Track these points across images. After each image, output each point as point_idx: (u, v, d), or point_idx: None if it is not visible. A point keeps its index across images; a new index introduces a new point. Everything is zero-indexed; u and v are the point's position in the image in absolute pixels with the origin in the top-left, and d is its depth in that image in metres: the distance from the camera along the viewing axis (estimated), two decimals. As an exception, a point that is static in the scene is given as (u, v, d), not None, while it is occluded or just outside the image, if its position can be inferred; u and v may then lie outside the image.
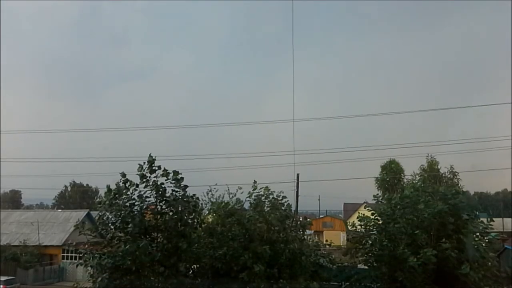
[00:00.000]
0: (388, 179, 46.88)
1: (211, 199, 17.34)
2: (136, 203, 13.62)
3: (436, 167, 45.85)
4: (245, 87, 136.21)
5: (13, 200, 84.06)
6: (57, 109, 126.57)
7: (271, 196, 14.81)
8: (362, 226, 15.64)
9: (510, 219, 47.75)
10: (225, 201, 16.49)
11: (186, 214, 13.77)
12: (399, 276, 13.60)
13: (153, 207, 13.83)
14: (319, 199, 72.45)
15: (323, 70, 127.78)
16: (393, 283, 14.13)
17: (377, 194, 17.01)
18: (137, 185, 13.63)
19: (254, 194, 14.90)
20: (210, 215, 17.25)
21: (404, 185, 42.24)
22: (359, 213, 17.77)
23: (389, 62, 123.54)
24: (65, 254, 38.49)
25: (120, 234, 13.36)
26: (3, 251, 35.51)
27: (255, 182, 14.97)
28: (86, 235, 13.75)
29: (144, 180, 13.62)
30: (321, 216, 72.01)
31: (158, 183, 13.73)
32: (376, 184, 47.78)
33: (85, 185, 79.32)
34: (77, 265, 14.79)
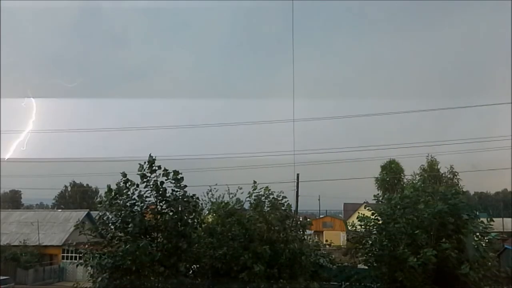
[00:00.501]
0: (388, 179, 46.85)
1: (211, 199, 17.37)
2: (137, 203, 13.63)
3: (436, 167, 45.82)
4: (245, 87, 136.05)
5: (13, 200, 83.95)
6: (57, 109, 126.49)
7: (271, 196, 14.81)
8: (362, 226, 15.63)
9: (510, 219, 47.67)
10: (225, 201, 16.50)
11: (186, 214, 13.77)
12: (399, 276, 13.60)
13: (153, 207, 13.83)
14: (319, 199, 72.44)
15: (323, 70, 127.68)
16: (393, 283, 14.12)
17: (378, 194, 17.01)
18: (138, 185, 13.64)
19: (254, 194, 14.91)
20: (210, 215, 17.25)
21: (404, 185, 42.25)
22: (359, 213, 17.77)
23: (389, 62, 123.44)
24: (65, 254, 38.44)
25: (120, 234, 13.36)
26: (3, 251, 35.47)
27: (255, 182, 14.98)
28: (86, 235, 13.75)
29: (145, 180, 13.63)
30: (321, 216, 71.93)
31: (158, 183, 13.73)
32: (376, 184, 47.75)
33: (85, 185, 79.21)
34: (77, 265, 14.80)
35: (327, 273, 16.06)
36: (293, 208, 18.58)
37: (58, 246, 38.44)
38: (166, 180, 13.80)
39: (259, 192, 14.87)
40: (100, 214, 13.82)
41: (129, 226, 13.09)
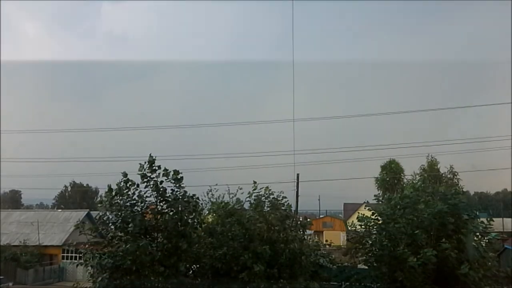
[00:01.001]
0: (388, 179, 46.88)
1: (211, 199, 17.37)
2: (137, 203, 13.64)
3: (436, 167, 45.86)
4: (245, 87, 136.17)
5: (13, 200, 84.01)
6: (57, 109, 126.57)
7: (271, 196, 14.82)
8: (362, 226, 15.64)
9: (510, 219, 47.70)
10: (225, 201, 16.50)
11: (186, 214, 13.78)
12: (399, 276, 13.60)
13: (153, 207, 13.84)
14: (319, 199, 72.51)
15: (323, 70, 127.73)
16: (393, 283, 14.12)
17: (378, 194, 17.02)
18: (138, 185, 13.66)
19: (254, 194, 14.91)
20: (210, 215, 17.26)
21: (404, 185, 42.27)
22: (358, 213, 17.77)
23: (389, 61, 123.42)
24: (65, 254, 38.46)
25: (120, 234, 13.36)
26: (3, 251, 35.48)
27: (255, 182, 14.98)
28: (86, 235, 13.76)
29: (145, 180, 13.65)
30: (321, 216, 71.97)
31: (158, 183, 13.74)
32: (376, 184, 47.80)
33: (85, 185, 79.26)
34: (77, 265, 14.82)
35: (327, 273, 16.07)
36: (293, 208, 18.59)
37: (58, 246, 38.46)
38: (166, 180, 13.80)
39: (259, 192, 14.88)
40: (101, 214, 13.84)
41: (129, 226, 13.10)
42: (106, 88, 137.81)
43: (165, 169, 13.78)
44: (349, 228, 17.34)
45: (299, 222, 16.45)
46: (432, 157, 45.91)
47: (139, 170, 13.72)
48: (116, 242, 13.32)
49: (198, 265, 14.18)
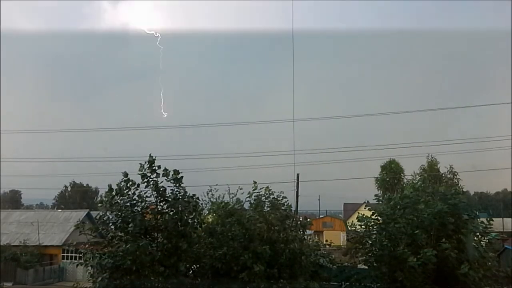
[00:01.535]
0: (388, 179, 46.88)
1: (211, 199, 17.36)
2: (137, 203, 13.64)
3: (436, 167, 45.85)
4: (245, 87, 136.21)
5: (13, 200, 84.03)
6: (57, 109, 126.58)
7: (271, 197, 14.81)
8: (362, 226, 15.64)
9: (510, 219, 47.67)
10: (225, 201, 16.49)
11: (186, 214, 13.78)
12: (399, 276, 13.60)
13: (153, 207, 13.85)
14: (319, 199, 72.52)
15: (323, 70, 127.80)
16: (393, 283, 14.12)
17: (378, 194, 17.01)
18: (138, 185, 13.66)
19: (254, 194, 14.91)
20: (210, 215, 17.25)
21: (404, 185, 42.26)
22: (358, 213, 17.77)
23: (389, 61, 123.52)
24: (65, 254, 38.46)
25: (120, 234, 13.37)
26: (3, 251, 35.48)
27: (255, 182, 14.98)
28: (87, 235, 13.76)
29: (145, 180, 13.65)
30: (321, 216, 71.98)
31: (159, 183, 13.75)
32: (376, 184, 47.79)
33: (85, 185, 79.28)
34: (77, 265, 14.83)
35: (327, 273, 16.06)
36: (293, 208, 18.59)
37: (58, 246, 38.45)
38: (166, 180, 13.80)
39: (259, 192, 14.87)
40: (101, 214, 13.85)
41: (130, 226, 13.10)
42: (106, 88, 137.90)
43: (165, 169, 13.79)
44: (349, 228, 17.34)
45: (299, 222, 16.45)
46: (432, 157, 45.96)
47: (139, 170, 13.72)
48: (116, 242, 13.33)
49: (198, 265, 14.18)
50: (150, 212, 13.77)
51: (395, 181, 46.42)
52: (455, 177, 44.55)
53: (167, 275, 12.99)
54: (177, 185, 13.83)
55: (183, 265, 13.46)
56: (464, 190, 27.83)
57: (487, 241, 14.63)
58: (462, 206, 14.57)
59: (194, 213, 14.04)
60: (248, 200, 15.17)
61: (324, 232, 63.00)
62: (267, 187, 15.04)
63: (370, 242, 15.09)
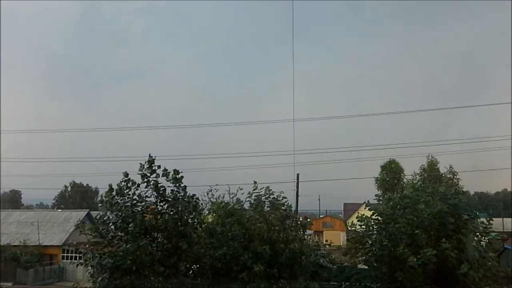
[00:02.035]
0: (388, 179, 46.87)
1: (211, 199, 17.36)
2: (137, 203, 13.64)
3: (435, 167, 45.85)
4: (245, 87, 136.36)
5: (13, 200, 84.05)
6: (57, 109, 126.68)
7: (271, 197, 14.81)
8: (362, 226, 15.65)
9: (510, 219, 47.65)
10: (225, 201, 16.48)
11: (186, 214, 13.78)
12: (399, 276, 13.60)
13: (153, 207, 13.85)
14: (319, 199, 72.54)
15: (324, 70, 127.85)
16: (393, 283, 14.12)
17: (378, 194, 17.00)
18: (139, 185, 13.67)
19: (254, 194, 14.91)
20: (210, 215, 17.25)
21: (404, 185, 42.26)
22: (358, 213, 17.77)
23: (389, 62, 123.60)
24: (65, 254, 38.48)
25: (120, 234, 13.37)
26: (3, 251, 35.50)
27: (255, 182, 14.98)
28: (87, 235, 13.76)
29: (145, 180, 13.65)
30: (321, 216, 72.00)
31: (159, 183, 13.75)
32: (376, 184, 47.78)
33: (85, 185, 79.34)
34: (77, 265, 14.82)
35: (327, 273, 16.06)
36: (293, 208, 18.58)
37: (58, 246, 38.46)
38: (166, 180, 13.80)
39: (259, 192, 14.87)
40: (101, 213, 13.85)
41: (130, 226, 13.10)
42: (106, 88, 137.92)
43: (165, 169, 13.78)
44: (349, 228, 17.34)
45: (299, 222, 16.44)
46: (432, 157, 45.97)
47: (139, 170, 13.72)
48: (116, 242, 13.33)
49: (198, 265, 14.18)
50: (150, 212, 13.76)
51: (395, 181, 46.41)
52: (455, 177, 44.56)
53: (167, 275, 12.99)
54: (177, 185, 13.83)
55: (183, 265, 13.46)
56: (464, 190, 27.75)
57: (487, 241, 14.62)
58: (462, 206, 14.57)
59: (194, 213, 14.04)
60: (248, 200, 15.17)
61: (324, 232, 63.02)
62: (267, 187, 15.04)
63: (370, 242, 15.09)
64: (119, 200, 13.54)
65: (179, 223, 13.58)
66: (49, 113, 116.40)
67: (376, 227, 15.22)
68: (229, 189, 16.69)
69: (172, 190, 13.84)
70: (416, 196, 15.18)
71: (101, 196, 14.56)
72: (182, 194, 13.85)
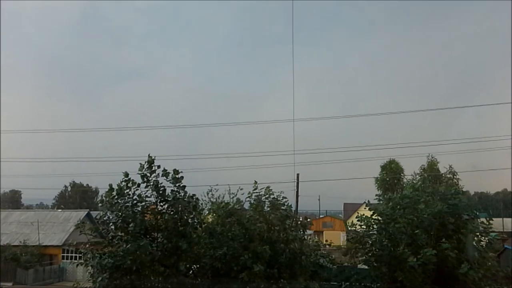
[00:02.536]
0: (388, 179, 46.85)
1: (211, 199, 17.39)
2: (137, 203, 13.64)
3: (435, 167, 45.84)
4: (245, 87, 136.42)
5: (13, 200, 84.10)
6: (57, 109, 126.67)
7: (271, 197, 14.81)
8: (362, 226, 15.65)
9: (510, 219, 47.65)
10: (225, 201, 16.49)
11: (186, 214, 13.78)
12: (399, 276, 13.60)
13: (153, 207, 13.85)
14: (319, 199, 72.57)
15: (324, 70, 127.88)
16: (393, 283, 14.13)
17: (379, 194, 17.00)
18: (139, 185, 13.66)
19: (254, 194, 14.90)
20: (210, 215, 17.26)
21: (404, 185, 42.24)
22: (358, 213, 17.77)
23: (389, 62, 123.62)
24: (65, 254, 38.50)
25: (120, 234, 13.36)
26: (3, 251, 35.51)
27: (255, 182, 14.97)
28: (87, 235, 13.77)
29: (145, 180, 13.65)
30: (321, 216, 72.03)
31: (159, 183, 13.74)
32: (376, 184, 47.75)
33: (85, 185, 79.40)
34: (77, 265, 14.83)
35: (327, 273, 16.05)
36: (293, 208, 18.58)
37: (58, 246, 38.49)
38: (166, 180, 13.79)
39: (259, 192, 14.87)
40: (101, 213, 13.85)
41: (130, 226, 13.10)
42: (106, 88, 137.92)
43: (164, 169, 13.77)
44: (349, 228, 17.34)
45: (299, 222, 16.44)
46: (432, 157, 45.96)
47: (139, 170, 13.72)
48: (116, 242, 13.32)
49: (198, 265, 14.18)
50: (150, 212, 13.77)
51: (395, 181, 46.40)
52: (455, 177, 44.54)
53: (167, 275, 12.99)
54: (177, 185, 13.82)
55: (183, 265, 13.45)
56: (464, 190, 27.81)
57: (487, 241, 14.62)
58: (462, 206, 14.57)
59: (194, 213, 14.04)
60: (248, 200, 15.16)
61: (324, 232, 63.07)
62: (268, 187, 15.03)
63: (370, 242, 15.08)
64: (119, 200, 13.53)
65: (179, 223, 13.57)
66: (49, 113, 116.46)
67: (376, 227, 15.22)
68: (229, 189, 16.71)
69: (172, 190, 13.84)
70: (416, 196, 15.18)
71: (101, 196, 14.56)
72: (182, 194, 13.84)
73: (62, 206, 75.00)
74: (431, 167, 45.81)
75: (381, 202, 16.56)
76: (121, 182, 13.71)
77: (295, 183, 30.15)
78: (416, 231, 13.86)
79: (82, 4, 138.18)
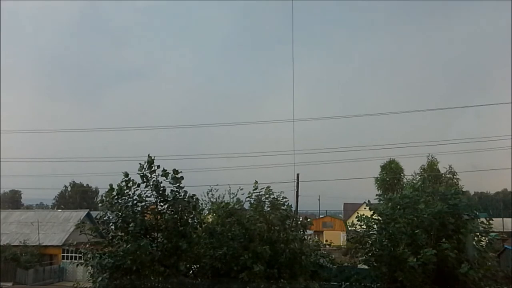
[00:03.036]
0: (388, 179, 46.85)
1: (211, 199, 17.38)
2: (137, 203, 13.64)
3: (435, 167, 45.83)
4: (245, 87, 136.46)
5: (13, 200, 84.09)
6: (57, 109, 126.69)
7: (271, 197, 14.80)
8: (362, 226, 15.65)
9: (510, 219, 47.65)
10: (225, 201, 16.47)
11: (186, 214, 13.78)
12: (399, 276, 13.60)
13: (153, 207, 13.85)
14: (319, 199, 72.56)
15: (324, 70, 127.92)
16: (393, 283, 14.13)
17: (379, 194, 17.00)
18: (139, 185, 13.66)
19: (254, 194, 14.90)
20: (210, 215, 17.25)
21: (404, 185, 42.25)
22: (358, 213, 17.78)
23: (389, 62, 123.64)
24: (65, 254, 38.49)
25: (120, 234, 13.37)
26: (3, 251, 35.50)
27: (256, 182, 14.96)
28: (87, 235, 13.77)
29: (145, 180, 13.65)
30: (321, 216, 72.01)
31: (159, 182, 13.74)
32: (376, 184, 47.75)
33: (85, 185, 79.37)
34: (77, 265, 14.83)
35: (327, 273, 16.05)
36: (293, 208, 18.58)
37: (58, 246, 38.47)
38: (165, 180, 13.79)
39: (259, 192, 14.87)
40: (101, 213, 13.85)
41: (130, 225, 13.09)
42: (106, 88, 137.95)
43: (164, 170, 13.76)
44: (349, 228, 17.35)
45: (299, 222, 16.44)
46: (432, 157, 45.95)
47: (139, 170, 13.72)
48: (116, 242, 13.32)
49: (198, 265, 14.18)
50: (150, 212, 13.76)
51: (395, 181, 46.40)
52: (454, 177, 44.54)
53: (167, 275, 12.99)
54: (177, 185, 13.82)
55: (183, 265, 13.45)
56: (464, 190, 27.80)
57: (487, 241, 14.63)
58: (462, 206, 14.57)
59: (194, 213, 14.03)
60: (248, 200, 15.16)
61: (324, 232, 63.05)
62: (268, 187, 15.03)
63: (370, 242, 15.09)
64: (119, 200, 13.53)
65: (179, 223, 13.57)
66: (49, 113, 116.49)
67: (376, 227, 15.22)
68: (230, 189, 16.69)
69: (171, 190, 13.84)
70: (416, 196, 15.18)
71: (101, 196, 14.56)
72: (182, 194, 13.83)
73: (62, 206, 74.98)
74: (431, 167, 45.80)
75: (381, 202, 16.56)
76: (121, 182, 13.72)
77: (295, 183, 30.18)
78: (416, 231, 13.86)
79: (82, 4, 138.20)
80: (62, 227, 40.74)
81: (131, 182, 13.71)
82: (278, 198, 14.94)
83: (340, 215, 75.74)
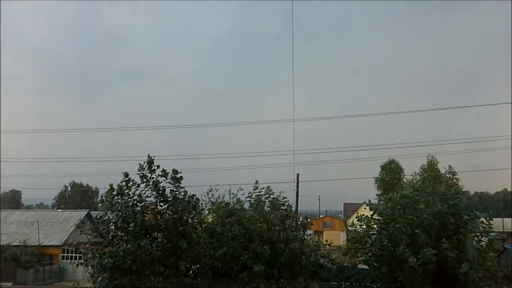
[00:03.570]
0: (388, 179, 46.85)
1: (211, 199, 17.37)
2: (137, 203, 13.64)
3: (435, 167, 45.84)
4: (245, 87, 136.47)
5: (13, 200, 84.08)
6: (57, 109, 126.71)
7: (271, 197, 14.80)
8: (362, 226, 15.65)
9: (510, 219, 47.66)
10: (225, 201, 16.46)
11: (186, 214, 13.77)
12: (399, 276, 13.61)
13: (153, 207, 13.85)
14: (319, 199, 72.57)
15: (324, 70, 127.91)
16: (393, 283, 14.13)
17: (379, 194, 17.00)
18: (139, 185, 13.66)
19: (254, 194, 14.90)
20: (210, 215, 17.25)
21: (404, 185, 42.24)
22: (358, 213, 17.78)
23: (389, 62, 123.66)
24: (65, 254, 38.49)
25: (121, 234, 13.36)
26: (3, 251, 35.50)
27: (256, 182, 14.96)
28: (87, 235, 13.77)
29: (145, 180, 13.65)
30: (321, 216, 72.04)
31: (159, 182, 13.74)
32: (376, 184, 47.76)
33: (85, 185, 79.35)
34: (77, 265, 14.82)
35: (327, 273, 16.06)
36: (293, 208, 18.58)
37: (58, 246, 38.46)
38: (164, 180, 13.79)
39: (259, 192, 14.87)
40: (101, 213, 13.85)
41: (130, 225, 13.09)
42: (106, 88, 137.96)
43: (163, 170, 13.76)
44: (349, 228, 17.35)
45: (299, 222, 16.44)
46: (432, 157, 45.96)
47: (139, 170, 13.72)
48: (116, 242, 13.32)
49: (198, 265, 14.18)
50: (150, 212, 13.76)
51: (395, 181, 46.40)
52: (454, 177, 44.54)
53: (167, 275, 12.99)
54: (177, 185, 13.82)
55: (183, 265, 13.45)
56: (464, 190, 27.79)
57: (487, 241, 14.63)
58: (462, 206, 14.58)
59: (194, 213, 14.03)
60: (248, 200, 15.16)
61: (324, 232, 63.06)
62: (268, 187, 15.03)
63: (370, 242, 15.09)
64: (119, 200, 13.53)
65: (179, 223, 13.57)
66: (49, 113, 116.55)
67: (376, 227, 15.22)
68: (230, 189, 16.68)
69: (171, 190, 13.84)
70: (416, 196, 15.19)
71: (101, 196, 14.56)
72: (182, 194, 13.84)
73: (62, 206, 74.97)
74: (431, 167, 45.79)
75: (381, 202, 16.56)
76: (121, 182, 13.72)
77: (295, 183, 30.15)
78: (416, 231, 13.86)
79: (82, 4, 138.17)
80: (62, 227, 40.73)
81: (131, 182, 13.72)
82: (278, 198, 14.94)
83: (340, 215, 75.78)
